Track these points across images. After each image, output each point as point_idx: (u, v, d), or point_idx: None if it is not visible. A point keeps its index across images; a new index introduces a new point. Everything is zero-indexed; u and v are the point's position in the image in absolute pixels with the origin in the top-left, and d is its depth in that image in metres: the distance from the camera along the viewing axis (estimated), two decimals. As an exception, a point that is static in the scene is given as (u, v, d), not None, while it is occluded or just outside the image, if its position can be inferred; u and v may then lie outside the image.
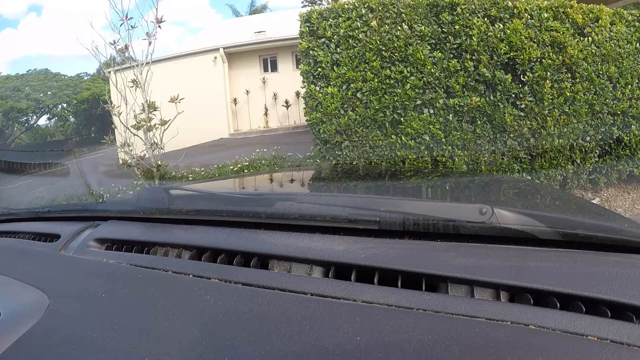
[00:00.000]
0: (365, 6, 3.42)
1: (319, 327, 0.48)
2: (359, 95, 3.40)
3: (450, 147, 3.41)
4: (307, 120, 3.68)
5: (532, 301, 0.49)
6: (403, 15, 3.38)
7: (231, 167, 5.16)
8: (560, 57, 3.36)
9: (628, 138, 3.60)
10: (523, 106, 3.38)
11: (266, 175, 2.05)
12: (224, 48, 10.98)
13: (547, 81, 3.34)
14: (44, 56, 67.91)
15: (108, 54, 3.71)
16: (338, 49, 3.45)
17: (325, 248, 0.64)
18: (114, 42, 3.22)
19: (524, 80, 3.36)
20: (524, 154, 3.49)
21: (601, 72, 3.44)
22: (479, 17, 3.34)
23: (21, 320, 0.58)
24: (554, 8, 3.42)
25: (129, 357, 0.49)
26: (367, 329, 0.46)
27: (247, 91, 11.47)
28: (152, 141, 3.18)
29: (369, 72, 3.37)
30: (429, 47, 3.36)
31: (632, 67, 3.53)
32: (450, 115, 3.38)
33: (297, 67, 8.47)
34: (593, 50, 3.41)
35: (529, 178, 3.45)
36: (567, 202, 1.09)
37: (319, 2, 18.53)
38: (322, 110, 3.47)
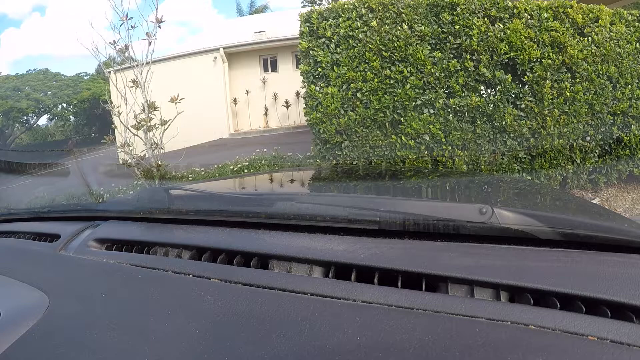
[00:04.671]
0: (365, 6, 3.42)
1: (319, 327, 0.47)
2: (359, 95, 3.40)
3: (450, 147, 3.41)
4: (307, 120, 3.68)
5: (532, 301, 0.49)
6: (403, 15, 3.38)
7: (231, 167, 5.17)
8: (560, 57, 3.36)
9: (628, 138, 3.60)
10: (523, 106, 3.39)
11: (266, 175, 2.05)
12: (224, 48, 10.98)
13: (547, 81, 3.34)
14: (45, 56, 67.96)
15: (108, 54, 3.72)
16: (338, 49, 3.44)
17: (325, 248, 0.64)
18: (114, 42, 3.22)
19: (524, 80, 3.36)
20: (524, 154, 3.49)
21: (601, 72, 3.44)
22: (479, 17, 3.34)
23: (21, 320, 0.58)
24: (554, 8, 3.42)
25: (129, 357, 0.49)
26: (367, 329, 0.46)
27: (247, 91, 11.46)
28: (152, 141, 3.17)
29: (369, 72, 3.37)
30: (429, 47, 3.36)
31: (632, 67, 3.53)
32: (450, 115, 3.38)
33: (297, 67, 8.45)
34: (593, 50, 3.41)
35: (529, 178, 3.45)
36: (567, 202, 1.09)
37: (319, 2, 18.52)
38: (322, 110, 3.47)
